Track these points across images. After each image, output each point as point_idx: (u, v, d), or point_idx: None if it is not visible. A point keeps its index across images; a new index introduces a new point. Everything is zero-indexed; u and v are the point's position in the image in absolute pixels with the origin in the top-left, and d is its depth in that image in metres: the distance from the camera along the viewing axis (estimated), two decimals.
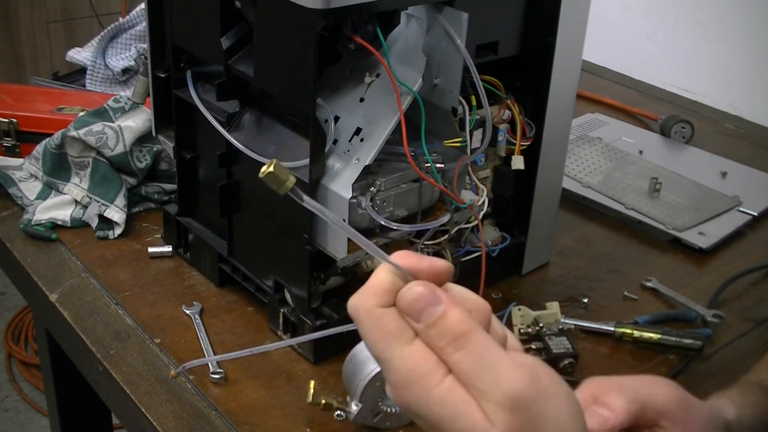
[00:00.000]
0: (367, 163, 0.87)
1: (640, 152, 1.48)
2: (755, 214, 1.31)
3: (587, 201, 1.33)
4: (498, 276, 1.10)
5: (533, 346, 0.97)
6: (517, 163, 1.03)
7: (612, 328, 1.02)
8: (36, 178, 1.24)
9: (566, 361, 0.94)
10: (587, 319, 1.04)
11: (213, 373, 0.91)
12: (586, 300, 1.09)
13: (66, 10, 3.12)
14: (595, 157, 1.45)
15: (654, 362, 0.99)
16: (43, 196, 1.21)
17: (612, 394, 0.60)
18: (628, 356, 1.00)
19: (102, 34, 1.53)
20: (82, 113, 1.25)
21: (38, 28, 3.08)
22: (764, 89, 1.80)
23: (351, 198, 0.86)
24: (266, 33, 0.89)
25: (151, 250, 1.12)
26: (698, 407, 0.64)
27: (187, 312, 1.02)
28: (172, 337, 0.98)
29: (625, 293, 1.11)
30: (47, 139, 1.22)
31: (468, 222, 1.00)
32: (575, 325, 1.02)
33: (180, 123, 1.06)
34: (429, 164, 0.91)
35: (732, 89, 1.83)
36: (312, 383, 0.88)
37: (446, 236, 0.97)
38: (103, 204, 1.16)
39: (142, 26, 1.53)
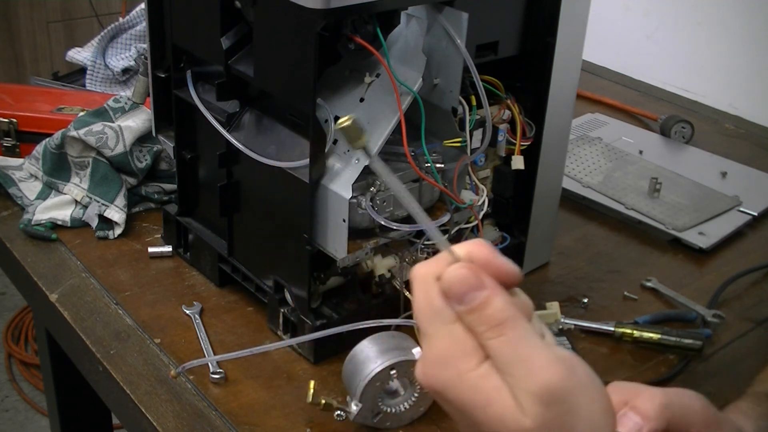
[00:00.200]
0: (367, 163, 0.87)
1: (640, 152, 1.48)
2: (755, 214, 1.31)
3: (587, 201, 1.33)
4: None
5: None
6: (517, 163, 1.03)
7: (612, 328, 1.02)
8: (36, 178, 1.24)
9: None
10: (587, 319, 1.04)
11: (213, 373, 0.91)
12: (586, 300, 1.09)
13: (66, 10, 3.12)
14: (595, 157, 1.45)
15: (654, 362, 0.99)
16: (43, 196, 1.21)
17: (644, 400, 0.59)
18: (628, 356, 1.00)
19: (102, 34, 1.53)
20: (82, 113, 1.25)
21: (38, 28, 3.08)
22: (764, 89, 1.80)
23: (351, 198, 0.86)
24: (266, 33, 0.89)
25: (151, 250, 1.12)
26: (726, 422, 0.63)
27: (187, 312, 1.02)
28: (172, 337, 0.98)
29: (625, 293, 1.11)
30: (47, 139, 1.22)
31: (468, 222, 1.00)
32: (575, 325, 1.02)
33: (180, 123, 1.06)
34: (429, 164, 0.91)
35: (732, 89, 1.83)
36: (312, 383, 0.88)
37: (446, 236, 0.97)
38: (103, 204, 1.16)
39: (142, 26, 1.53)
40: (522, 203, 1.08)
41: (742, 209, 1.32)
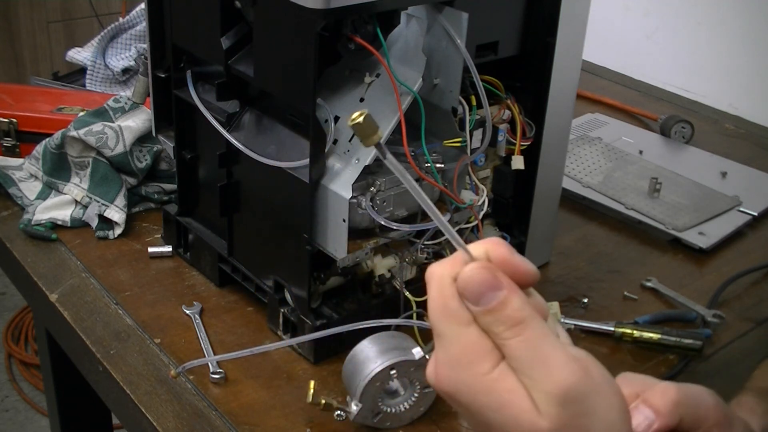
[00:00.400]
0: (367, 163, 0.87)
1: (640, 152, 1.48)
2: (755, 214, 1.31)
3: (587, 201, 1.33)
4: None
5: None
6: (517, 163, 1.03)
7: (612, 328, 1.02)
8: (36, 178, 1.24)
9: None
10: (587, 319, 1.04)
11: (213, 373, 0.91)
12: (586, 300, 1.09)
13: (66, 10, 3.12)
14: (595, 157, 1.45)
15: (654, 362, 0.99)
16: (43, 196, 1.21)
17: (656, 394, 0.58)
18: (628, 356, 1.00)
19: (102, 34, 1.53)
20: (82, 113, 1.25)
21: (38, 28, 3.08)
22: (764, 89, 1.80)
23: (351, 198, 0.86)
24: (266, 33, 0.89)
25: (151, 250, 1.12)
26: (737, 419, 0.62)
27: (187, 312, 1.02)
28: (172, 337, 0.98)
29: (625, 293, 1.11)
30: (47, 139, 1.22)
31: (468, 222, 1.00)
32: (575, 325, 1.02)
33: (180, 123, 1.06)
34: (429, 164, 0.91)
35: (732, 89, 1.82)
36: (312, 383, 0.88)
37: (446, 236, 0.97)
38: (103, 204, 1.16)
39: (142, 26, 1.53)
40: (522, 203, 1.08)
41: (742, 209, 1.32)
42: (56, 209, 1.18)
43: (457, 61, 0.90)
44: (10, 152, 1.31)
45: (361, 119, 0.46)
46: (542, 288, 1.15)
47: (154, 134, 1.11)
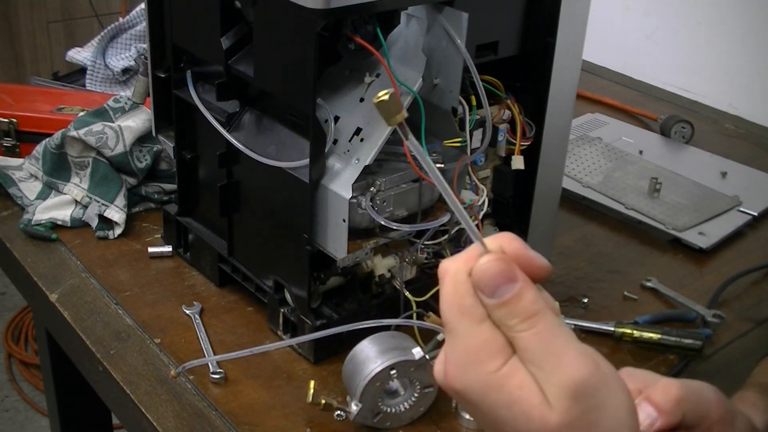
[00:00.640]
0: (367, 163, 0.87)
1: (640, 152, 1.48)
2: (755, 214, 1.31)
3: (587, 201, 1.33)
4: None
5: None
6: (517, 163, 1.03)
7: (612, 328, 1.02)
8: (36, 178, 1.24)
9: None
10: (587, 319, 1.04)
11: (213, 373, 0.91)
12: (586, 300, 1.09)
13: (66, 10, 3.12)
14: (595, 157, 1.45)
15: (654, 362, 0.99)
16: (43, 196, 1.21)
17: (659, 391, 0.58)
18: (628, 356, 1.00)
19: (102, 34, 1.53)
20: (82, 113, 1.25)
21: (38, 28, 3.08)
22: (764, 89, 1.80)
23: (351, 198, 0.86)
24: (266, 33, 0.89)
25: (151, 250, 1.12)
26: (739, 415, 0.62)
27: (187, 312, 1.02)
28: (172, 337, 0.98)
29: (625, 293, 1.11)
30: (47, 139, 1.22)
31: None
32: (575, 325, 1.02)
33: (180, 123, 1.06)
34: None
35: (732, 89, 1.82)
36: (312, 383, 0.88)
37: (446, 236, 0.97)
38: (103, 204, 1.16)
39: (142, 26, 1.53)
40: (522, 203, 1.08)
41: (742, 209, 1.32)
42: (56, 209, 1.18)
43: (457, 61, 0.90)
44: (10, 152, 1.31)
45: (386, 97, 0.46)
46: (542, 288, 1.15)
47: (154, 134, 1.11)
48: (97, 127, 1.18)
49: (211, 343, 0.97)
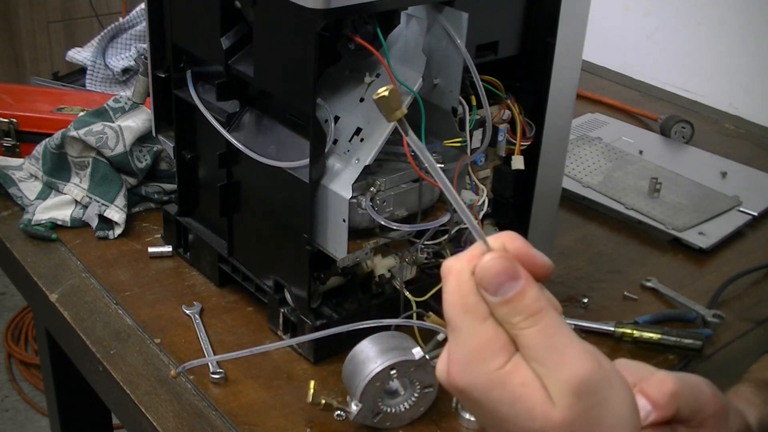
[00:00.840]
0: (367, 163, 0.87)
1: (640, 152, 1.48)
2: (755, 214, 1.31)
3: (587, 201, 1.33)
4: None
5: None
6: (517, 163, 1.03)
7: (612, 328, 1.02)
8: (36, 178, 1.24)
9: None
10: (587, 319, 1.04)
11: (213, 373, 0.91)
12: (586, 300, 1.09)
13: (66, 10, 3.12)
14: (595, 157, 1.45)
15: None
16: (43, 196, 1.21)
17: (653, 385, 0.58)
18: (628, 356, 0.99)
19: (102, 34, 1.53)
20: (82, 113, 1.25)
21: (38, 28, 3.08)
22: (764, 89, 1.80)
23: (351, 198, 0.86)
24: (266, 33, 0.89)
25: (151, 250, 1.12)
26: (733, 410, 0.62)
27: (187, 312, 1.02)
28: (172, 337, 0.98)
29: (625, 293, 1.11)
30: (47, 139, 1.22)
31: None
32: (575, 325, 1.02)
33: (180, 123, 1.06)
34: None
35: (732, 89, 1.82)
36: (312, 383, 0.88)
37: (446, 236, 0.97)
38: (103, 204, 1.16)
39: (142, 26, 1.53)
40: (522, 203, 1.08)
41: (742, 209, 1.32)
42: (56, 209, 1.18)
43: (457, 61, 0.90)
44: (10, 152, 1.31)
45: (386, 93, 0.46)
46: None
47: (154, 134, 1.11)
48: (97, 127, 1.18)
49: (211, 343, 0.97)
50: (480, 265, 0.47)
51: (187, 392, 0.90)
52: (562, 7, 0.97)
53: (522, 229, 1.10)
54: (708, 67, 1.90)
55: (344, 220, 0.87)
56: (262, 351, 0.91)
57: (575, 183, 1.36)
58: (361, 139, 0.88)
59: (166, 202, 1.21)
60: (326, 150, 0.89)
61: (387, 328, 0.88)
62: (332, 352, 0.94)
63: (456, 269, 0.47)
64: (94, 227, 1.16)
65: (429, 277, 1.00)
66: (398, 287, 0.95)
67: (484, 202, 1.00)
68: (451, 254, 1.00)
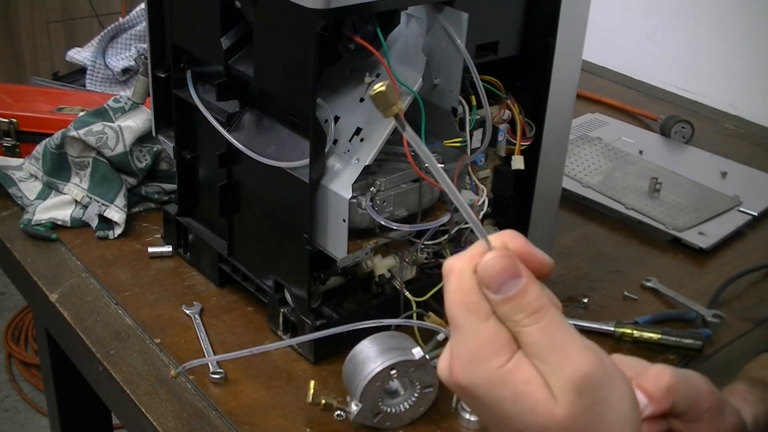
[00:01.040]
0: (367, 163, 0.87)
1: (640, 152, 1.48)
2: (755, 214, 1.31)
3: (587, 201, 1.33)
4: None
5: None
6: (517, 163, 1.03)
7: (612, 328, 1.02)
8: (36, 178, 1.24)
9: None
10: (587, 319, 1.04)
11: (213, 373, 0.91)
12: (586, 300, 1.09)
13: (66, 10, 3.12)
14: (595, 157, 1.45)
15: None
16: (43, 196, 1.21)
17: (649, 380, 0.58)
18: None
19: (102, 34, 1.53)
20: (82, 113, 1.25)
21: (38, 28, 3.08)
22: (764, 89, 1.80)
23: (351, 198, 0.86)
24: (266, 33, 0.89)
25: (151, 250, 1.12)
26: (729, 406, 0.63)
27: (187, 312, 1.02)
28: (172, 337, 0.98)
29: (625, 293, 1.11)
30: (47, 139, 1.22)
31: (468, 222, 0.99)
32: (575, 325, 1.02)
33: (180, 123, 1.06)
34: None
35: (732, 89, 1.83)
36: (312, 383, 0.88)
37: (446, 236, 0.97)
38: (103, 204, 1.16)
39: (142, 26, 1.53)
40: (522, 203, 1.08)
41: (742, 209, 1.32)
42: (56, 209, 1.18)
43: (457, 61, 0.90)
44: (10, 152, 1.31)
45: (383, 88, 0.45)
46: None
47: (154, 134, 1.11)
48: (97, 127, 1.18)
49: (211, 343, 0.97)
50: (482, 263, 0.47)
51: (187, 392, 0.90)
52: (562, 7, 0.97)
53: (522, 229, 1.10)
54: (708, 67, 1.90)
55: (344, 220, 0.87)
56: (262, 351, 0.91)
57: (575, 183, 1.36)
58: (361, 139, 0.88)
59: (166, 202, 1.21)
60: (326, 150, 0.89)
61: (387, 328, 0.88)
62: (332, 352, 0.94)
63: (458, 268, 0.48)
64: (94, 227, 1.16)
65: (429, 277, 1.00)
66: (398, 287, 0.95)
67: (484, 202, 1.00)
68: (451, 254, 1.00)
